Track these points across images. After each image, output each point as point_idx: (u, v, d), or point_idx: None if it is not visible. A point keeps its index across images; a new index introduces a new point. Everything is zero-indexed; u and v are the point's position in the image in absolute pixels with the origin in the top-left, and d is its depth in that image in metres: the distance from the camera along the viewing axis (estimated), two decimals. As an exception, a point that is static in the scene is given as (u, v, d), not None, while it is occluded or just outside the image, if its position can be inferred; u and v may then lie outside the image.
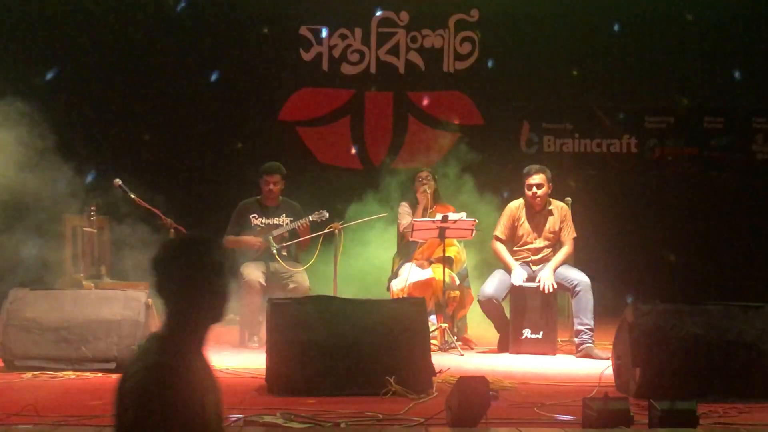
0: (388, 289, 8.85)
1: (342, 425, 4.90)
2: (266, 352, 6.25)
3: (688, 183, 11.49)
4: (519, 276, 8.37)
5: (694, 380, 5.93)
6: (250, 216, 8.96)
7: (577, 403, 5.23)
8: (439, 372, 6.52)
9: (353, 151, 11.66)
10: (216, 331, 8.39)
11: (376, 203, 10.23)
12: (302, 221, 8.80)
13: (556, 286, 8.32)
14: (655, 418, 4.81)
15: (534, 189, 8.55)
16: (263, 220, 8.95)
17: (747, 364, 5.99)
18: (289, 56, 11.64)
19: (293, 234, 8.90)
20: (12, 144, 8.67)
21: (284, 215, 8.96)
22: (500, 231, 8.66)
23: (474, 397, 4.90)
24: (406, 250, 8.99)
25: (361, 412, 5.31)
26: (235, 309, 9.08)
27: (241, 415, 5.08)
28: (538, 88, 11.51)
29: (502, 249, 8.59)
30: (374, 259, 9.87)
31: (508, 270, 8.46)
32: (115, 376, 6.61)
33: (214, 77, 11.30)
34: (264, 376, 6.21)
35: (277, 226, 8.90)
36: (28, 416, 5.07)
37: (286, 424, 4.82)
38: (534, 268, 8.55)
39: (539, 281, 8.34)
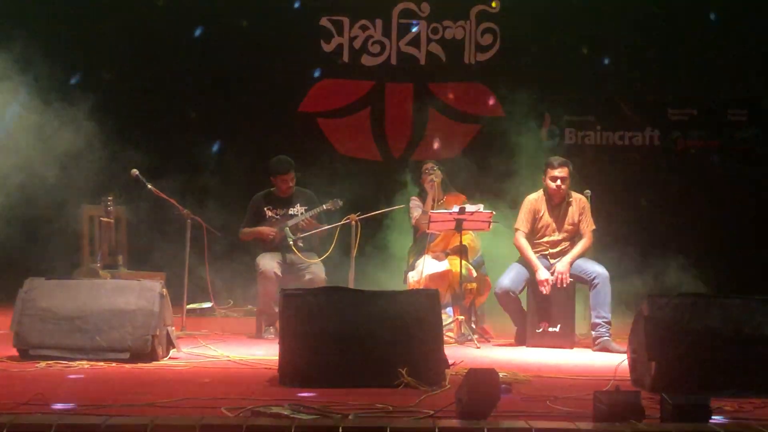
0: (405, 281, 8.82)
1: (350, 417, 4.85)
2: (279, 342, 6.22)
3: (712, 175, 11.38)
4: (543, 274, 8.30)
5: (710, 374, 5.85)
6: (265, 208, 8.96)
7: (590, 397, 5.16)
8: (453, 364, 6.47)
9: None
10: (234, 321, 8.46)
11: (396, 195, 10.20)
12: (308, 215, 8.77)
13: (570, 280, 8.27)
14: (667, 412, 4.74)
15: (558, 182, 8.47)
16: (278, 211, 8.95)
17: (764, 358, 5.90)
18: (310, 47, 11.61)
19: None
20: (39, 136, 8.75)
21: (298, 204, 8.95)
22: (523, 225, 8.57)
23: (484, 390, 4.84)
24: (420, 243, 8.96)
25: (371, 403, 5.26)
26: (252, 300, 9.11)
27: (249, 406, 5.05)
28: (559, 80, 11.42)
29: (526, 246, 8.48)
30: (392, 251, 9.84)
31: (532, 269, 8.38)
32: (129, 366, 6.64)
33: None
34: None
35: (292, 215, 8.89)
36: (37, 405, 5.06)
37: (293, 415, 4.78)
38: (552, 261, 8.48)
39: (554, 272, 8.28)
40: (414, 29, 11.44)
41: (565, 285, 8.27)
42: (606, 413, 4.69)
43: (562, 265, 8.32)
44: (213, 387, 5.87)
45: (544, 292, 8.26)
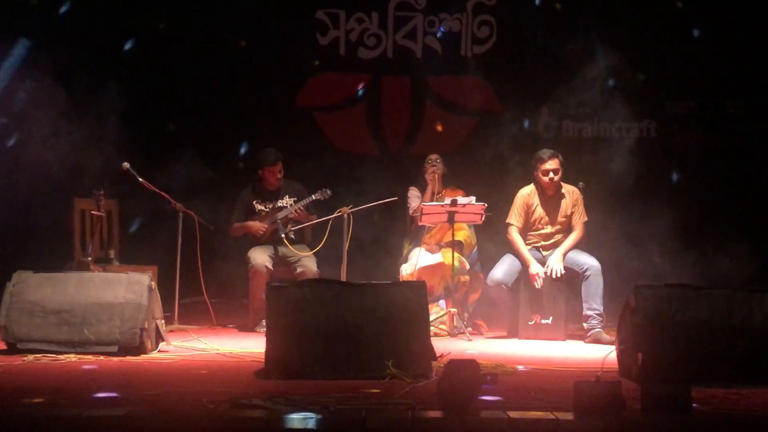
0: (398, 273, 8.79)
1: (331, 408, 4.83)
2: (265, 335, 6.21)
3: (710, 168, 11.30)
4: (536, 268, 8.27)
5: (697, 365, 5.82)
6: (253, 202, 8.94)
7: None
8: (440, 356, 6.45)
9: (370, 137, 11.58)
10: (227, 315, 8.44)
11: (393, 189, 10.15)
12: (298, 206, 8.75)
13: (564, 272, 8.24)
14: (648, 402, 4.71)
15: (551, 174, 8.44)
16: (267, 205, 8.92)
17: (751, 350, 5.87)
18: (306, 41, 11.57)
19: None
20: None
21: (287, 196, 8.93)
22: (515, 219, 8.54)
23: (464, 380, 4.82)
24: (415, 234, 8.94)
25: (354, 395, 5.25)
26: (244, 293, 9.09)
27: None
28: (556, 72, 11.35)
29: (519, 241, 8.45)
30: (385, 244, 9.81)
31: (524, 264, 8.35)
32: (117, 359, 6.63)
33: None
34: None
35: (282, 208, 8.87)
36: (20, 398, 5.05)
37: (273, 407, 4.76)
38: (544, 253, 8.45)
39: (548, 267, 8.25)
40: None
41: (558, 275, 8.23)
42: (586, 404, 4.67)
43: (554, 259, 8.29)
44: (198, 379, 5.86)
45: (537, 287, 8.23)
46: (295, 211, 8.76)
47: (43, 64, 9.31)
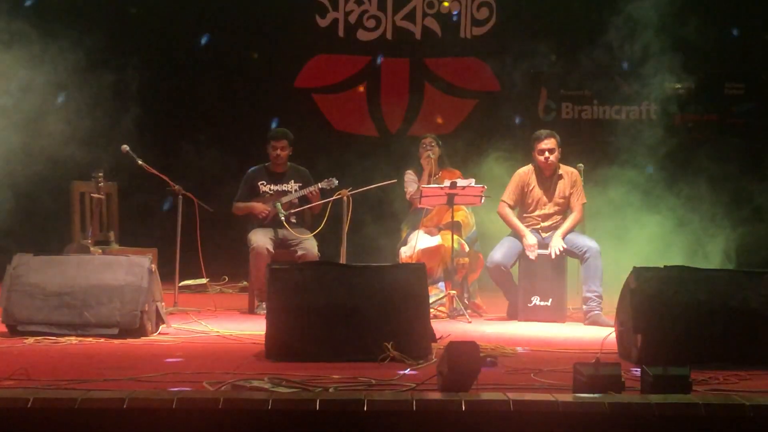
0: (398, 256, 8.81)
1: (331, 390, 4.85)
2: (266, 317, 6.22)
3: (709, 149, 11.31)
4: (532, 239, 8.29)
5: (696, 347, 5.83)
6: (259, 183, 8.95)
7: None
8: (440, 338, 6.47)
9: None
10: (228, 298, 8.45)
11: (393, 170, 10.15)
12: (313, 188, 8.77)
13: (564, 247, 8.25)
14: (647, 384, 4.72)
15: (546, 154, 8.45)
16: (272, 187, 8.94)
17: (750, 331, 5.88)
18: (305, 22, 11.55)
19: (303, 200, 8.88)
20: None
21: (292, 181, 8.94)
22: (508, 196, 8.55)
23: (464, 362, 4.82)
24: (413, 217, 8.95)
25: (354, 377, 5.27)
26: (246, 276, 9.10)
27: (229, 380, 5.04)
28: (556, 54, 11.35)
29: (510, 214, 8.49)
30: (385, 226, 9.82)
31: (519, 235, 8.36)
32: (117, 342, 6.64)
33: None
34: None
35: (286, 192, 8.88)
36: (19, 380, 5.06)
37: (273, 389, 4.78)
38: (543, 235, 8.46)
39: (549, 249, 8.26)
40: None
41: (559, 252, 8.23)
42: (585, 385, 4.68)
43: (555, 240, 8.30)
44: (199, 361, 5.87)
45: (531, 257, 8.23)
46: (311, 192, 8.77)
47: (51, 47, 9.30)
